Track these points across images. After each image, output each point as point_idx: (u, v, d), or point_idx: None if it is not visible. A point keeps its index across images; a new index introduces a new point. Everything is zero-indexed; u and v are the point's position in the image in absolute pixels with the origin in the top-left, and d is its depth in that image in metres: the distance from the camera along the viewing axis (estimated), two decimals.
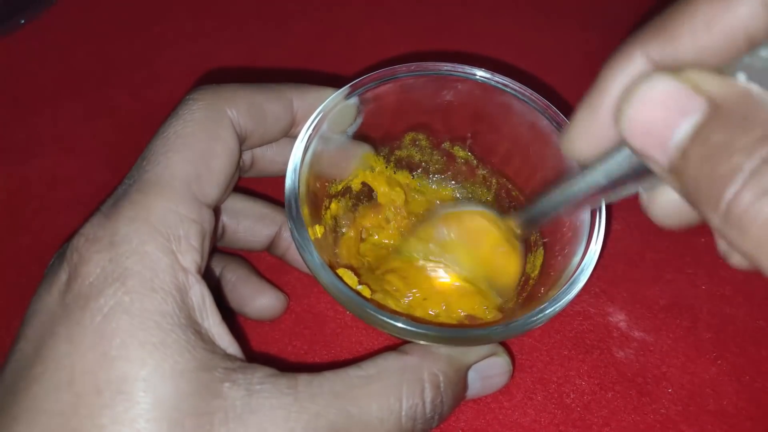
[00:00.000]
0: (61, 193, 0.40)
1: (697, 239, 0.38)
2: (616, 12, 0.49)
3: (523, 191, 0.34)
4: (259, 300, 0.33)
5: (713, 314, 0.35)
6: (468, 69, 0.31)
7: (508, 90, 0.31)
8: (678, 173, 0.17)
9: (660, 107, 0.17)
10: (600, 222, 0.28)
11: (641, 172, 0.20)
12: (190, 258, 0.24)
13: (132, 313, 0.21)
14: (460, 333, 0.26)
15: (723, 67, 0.18)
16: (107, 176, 0.40)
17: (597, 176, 0.22)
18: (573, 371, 0.34)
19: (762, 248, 0.15)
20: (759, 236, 0.15)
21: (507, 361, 0.30)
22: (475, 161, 0.35)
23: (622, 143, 0.20)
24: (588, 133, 0.21)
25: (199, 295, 0.24)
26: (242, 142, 0.28)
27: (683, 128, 0.16)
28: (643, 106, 0.17)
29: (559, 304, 0.26)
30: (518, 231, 0.31)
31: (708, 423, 0.32)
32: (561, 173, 0.31)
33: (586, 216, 0.28)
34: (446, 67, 0.31)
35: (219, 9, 0.50)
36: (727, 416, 0.32)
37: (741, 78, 0.17)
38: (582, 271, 0.27)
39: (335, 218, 0.33)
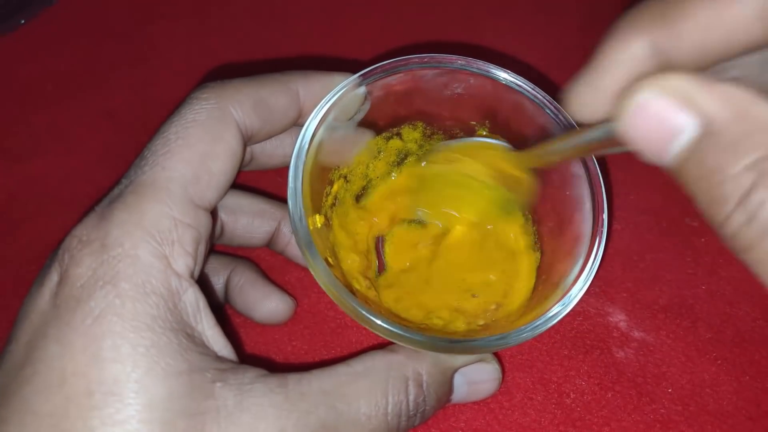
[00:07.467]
0: (61, 193, 0.40)
1: (697, 239, 0.38)
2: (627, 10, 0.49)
3: None
4: (267, 305, 0.33)
5: (713, 314, 0.35)
6: (482, 65, 0.31)
7: (522, 90, 0.31)
8: (676, 174, 0.18)
9: (654, 119, 0.17)
10: (601, 238, 0.28)
11: None
12: (183, 263, 0.23)
13: (123, 316, 0.21)
14: (448, 343, 0.26)
15: (719, 68, 0.18)
16: (107, 176, 0.40)
17: (597, 134, 0.22)
18: (573, 371, 0.34)
19: (760, 266, 0.16)
20: (756, 257, 0.16)
21: (496, 368, 0.30)
22: None
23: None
24: (587, 102, 0.22)
25: (193, 299, 0.23)
26: (247, 141, 0.27)
27: (678, 143, 0.17)
28: (638, 114, 0.17)
29: (551, 320, 0.26)
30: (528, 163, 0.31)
31: (708, 423, 0.32)
32: (563, 172, 0.31)
33: (587, 226, 0.28)
34: (460, 61, 0.31)
35: (219, 6, 0.50)
36: (727, 416, 0.32)
37: (733, 73, 0.17)
38: (579, 286, 0.27)
39: (334, 201, 0.33)
